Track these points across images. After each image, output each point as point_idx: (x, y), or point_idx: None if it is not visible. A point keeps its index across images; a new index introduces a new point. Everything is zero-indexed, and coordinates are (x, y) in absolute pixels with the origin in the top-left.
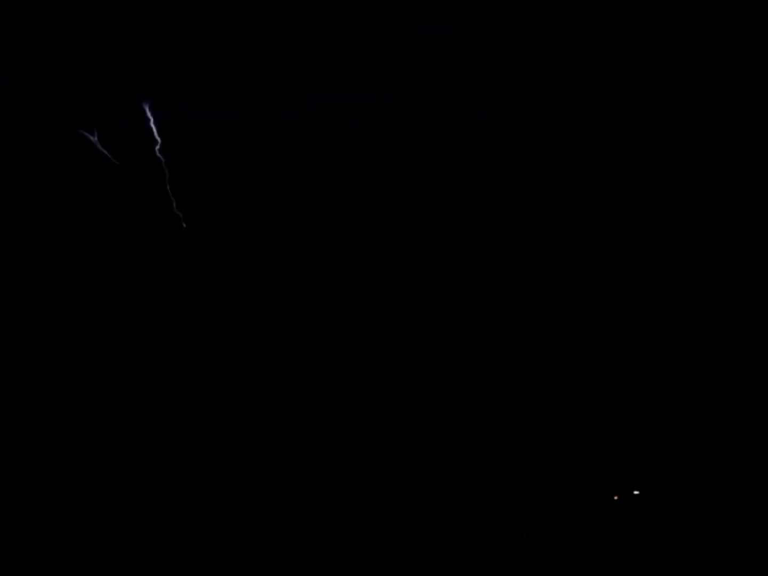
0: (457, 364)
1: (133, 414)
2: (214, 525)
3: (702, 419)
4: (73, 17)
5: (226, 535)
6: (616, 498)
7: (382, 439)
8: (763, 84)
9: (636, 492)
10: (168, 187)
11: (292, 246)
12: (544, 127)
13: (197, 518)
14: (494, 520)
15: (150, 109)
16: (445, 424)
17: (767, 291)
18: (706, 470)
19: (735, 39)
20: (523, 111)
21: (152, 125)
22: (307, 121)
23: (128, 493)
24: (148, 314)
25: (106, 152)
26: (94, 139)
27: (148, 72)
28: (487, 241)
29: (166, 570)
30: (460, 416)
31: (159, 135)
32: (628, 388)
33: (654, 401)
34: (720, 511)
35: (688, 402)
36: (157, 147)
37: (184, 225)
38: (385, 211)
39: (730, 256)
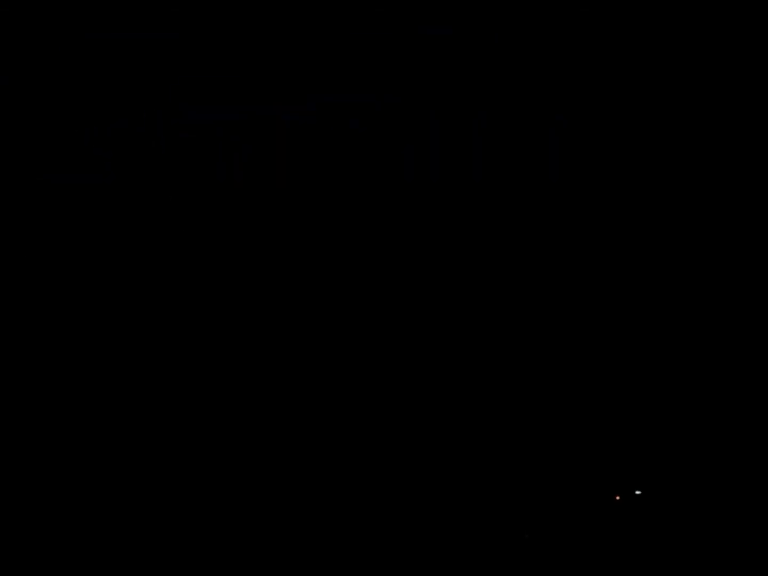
0: (457, 364)
1: (133, 414)
2: (214, 525)
3: (702, 419)
4: (73, 17)
5: (226, 535)
6: (617, 498)
7: (381, 439)
8: (764, 84)
9: (638, 492)
10: (168, 187)
11: (293, 246)
12: (544, 127)
13: (197, 518)
14: (496, 521)
15: (150, 109)
16: (445, 424)
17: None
18: (708, 470)
19: (736, 39)
20: (523, 111)
21: (152, 125)
22: (307, 121)
23: (128, 493)
24: (149, 314)
25: (106, 152)
26: (94, 139)
27: (148, 72)
28: (487, 240)
29: (166, 570)
30: (460, 416)
31: (159, 135)
32: (628, 388)
33: (655, 401)
34: (721, 511)
35: (688, 402)
36: (157, 147)
37: (184, 225)
38: (385, 211)
39: (731, 256)
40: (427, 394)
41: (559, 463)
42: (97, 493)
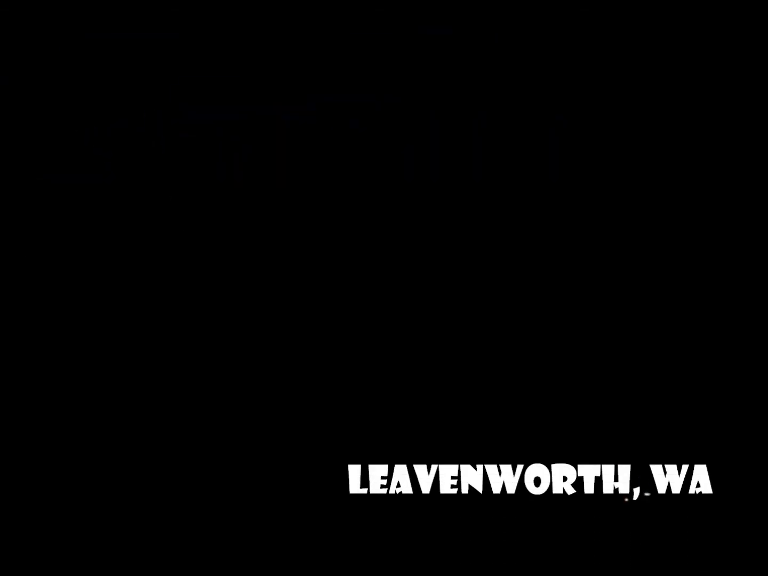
0: (457, 365)
1: (133, 414)
2: (214, 525)
3: (704, 419)
4: (73, 17)
5: (226, 535)
6: (625, 500)
7: (380, 439)
8: (765, 85)
9: (644, 493)
10: (168, 187)
11: (292, 246)
12: (544, 127)
13: (197, 518)
14: (495, 520)
15: (150, 109)
16: (444, 424)
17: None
18: (710, 470)
19: (736, 40)
20: (523, 111)
21: (152, 125)
22: (307, 121)
23: (128, 494)
24: (148, 314)
25: (106, 152)
26: (94, 139)
27: (148, 72)
28: (487, 241)
29: (166, 570)
30: (459, 417)
31: (159, 135)
32: (629, 388)
33: (655, 401)
34: (723, 511)
35: (690, 402)
36: (157, 147)
37: (184, 225)
38: (385, 211)
39: (731, 257)
40: (426, 394)
41: (561, 463)
42: (95, 493)
